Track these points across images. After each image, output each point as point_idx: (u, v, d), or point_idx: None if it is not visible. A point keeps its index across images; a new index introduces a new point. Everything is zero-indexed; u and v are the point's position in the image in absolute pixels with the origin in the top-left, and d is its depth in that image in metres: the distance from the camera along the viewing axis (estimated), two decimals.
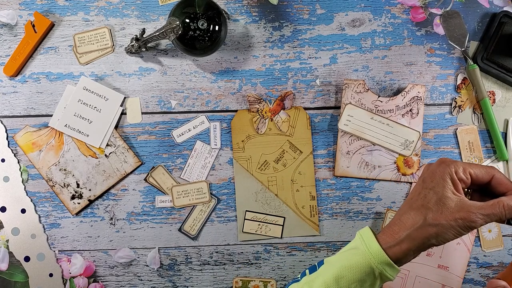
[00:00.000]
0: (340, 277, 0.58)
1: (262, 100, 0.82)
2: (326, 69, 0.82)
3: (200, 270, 0.81)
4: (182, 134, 0.82)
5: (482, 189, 0.61)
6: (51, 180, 0.80)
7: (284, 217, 0.81)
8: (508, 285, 0.61)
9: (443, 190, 0.57)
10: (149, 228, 0.81)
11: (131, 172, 0.81)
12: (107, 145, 0.81)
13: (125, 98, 0.82)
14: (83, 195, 0.80)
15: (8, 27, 0.82)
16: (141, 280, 0.81)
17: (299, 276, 0.63)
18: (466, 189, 0.61)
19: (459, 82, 0.82)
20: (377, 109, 0.81)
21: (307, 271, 0.62)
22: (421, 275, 0.80)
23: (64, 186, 0.80)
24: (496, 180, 0.59)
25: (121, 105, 0.81)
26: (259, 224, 0.81)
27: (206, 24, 0.75)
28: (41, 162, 0.80)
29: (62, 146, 0.81)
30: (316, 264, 0.62)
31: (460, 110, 0.82)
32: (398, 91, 0.82)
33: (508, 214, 0.57)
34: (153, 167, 0.81)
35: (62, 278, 0.80)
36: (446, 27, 0.80)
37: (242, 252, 0.81)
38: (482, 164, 0.75)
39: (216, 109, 0.82)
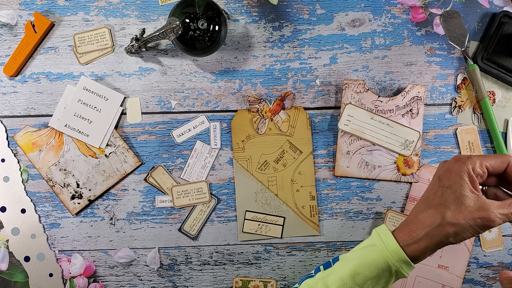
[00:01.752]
0: (356, 273, 0.58)
1: (262, 100, 0.82)
2: (326, 69, 0.82)
3: (200, 270, 0.81)
4: (182, 134, 0.82)
5: (498, 179, 0.61)
6: (51, 180, 0.80)
7: (284, 217, 0.81)
8: None
9: (460, 188, 0.57)
10: (149, 228, 0.81)
11: (131, 172, 0.81)
12: (107, 145, 0.81)
13: (125, 98, 0.82)
14: (83, 195, 0.80)
15: (8, 27, 0.82)
16: (141, 280, 0.81)
17: (313, 271, 0.63)
18: (481, 186, 0.61)
19: (459, 82, 0.82)
20: (377, 109, 0.81)
21: (321, 267, 0.62)
22: (421, 275, 0.80)
23: (64, 186, 0.80)
24: (511, 167, 0.58)
25: (121, 105, 0.81)
26: (259, 224, 0.81)
27: (206, 24, 0.75)
28: (41, 162, 0.80)
29: (62, 146, 0.81)
30: (330, 260, 0.62)
31: (460, 110, 0.82)
32: (398, 91, 0.82)
33: None
34: (153, 167, 0.81)
35: (62, 278, 0.80)
36: (446, 27, 0.80)
37: (242, 252, 0.81)
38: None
39: (216, 109, 0.82)
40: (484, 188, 0.62)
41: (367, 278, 0.58)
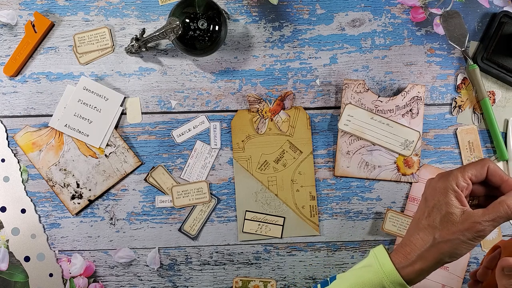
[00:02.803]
0: None
1: (262, 100, 0.82)
2: (326, 69, 0.82)
3: (200, 270, 0.81)
4: (182, 134, 0.82)
5: (486, 187, 0.61)
6: (51, 180, 0.80)
7: (284, 217, 0.81)
8: None
9: (446, 206, 0.57)
10: (149, 228, 0.81)
11: (131, 172, 0.81)
12: (107, 145, 0.81)
13: (125, 98, 0.82)
14: (83, 195, 0.80)
15: (8, 27, 0.82)
16: (141, 280, 0.81)
17: None
18: (470, 197, 0.61)
19: (459, 82, 0.82)
20: (377, 109, 0.81)
21: (318, 285, 0.63)
22: None
23: (64, 186, 0.80)
24: (490, 171, 0.59)
25: (121, 105, 0.81)
26: (259, 224, 0.81)
27: (206, 24, 0.75)
28: (41, 162, 0.80)
29: (62, 146, 0.81)
30: (328, 279, 0.63)
31: (460, 110, 0.82)
32: (398, 91, 0.82)
33: None
34: (153, 167, 0.81)
35: (62, 278, 0.80)
36: (446, 27, 0.80)
37: (242, 252, 0.81)
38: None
39: (216, 109, 0.82)
40: (474, 198, 0.62)
41: None
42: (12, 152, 0.81)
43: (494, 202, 0.57)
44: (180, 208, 0.81)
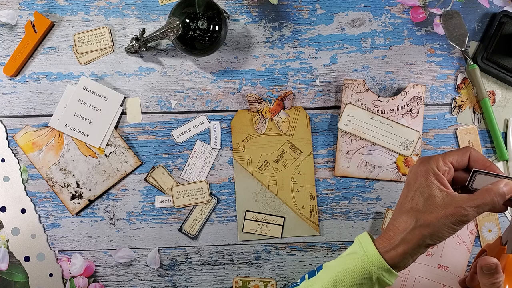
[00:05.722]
0: (338, 281, 0.58)
1: (262, 100, 0.82)
2: (326, 69, 0.82)
3: (200, 270, 0.81)
4: (182, 134, 0.82)
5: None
6: (51, 180, 0.80)
7: (284, 217, 0.81)
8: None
9: (428, 189, 0.57)
10: (149, 228, 0.81)
11: (131, 172, 0.81)
12: (107, 145, 0.81)
13: (125, 98, 0.82)
14: (83, 195, 0.81)
15: (8, 27, 0.82)
16: (141, 280, 0.81)
17: (298, 281, 0.63)
18: (454, 187, 0.61)
19: (459, 82, 0.82)
20: (377, 109, 0.81)
21: (306, 276, 0.63)
22: (421, 275, 0.80)
23: (64, 186, 0.80)
24: (472, 158, 0.59)
25: (121, 105, 0.81)
26: (259, 224, 0.81)
27: (206, 24, 0.75)
28: (41, 162, 0.80)
29: (62, 146, 0.81)
30: (315, 269, 0.63)
31: (460, 110, 0.82)
32: (398, 91, 0.82)
33: (500, 200, 0.56)
34: (153, 167, 0.81)
35: (62, 278, 0.80)
36: (446, 27, 0.80)
37: (242, 252, 0.81)
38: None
39: (216, 109, 0.82)
40: (457, 188, 0.62)
41: (348, 286, 0.58)
42: (12, 152, 0.81)
43: (481, 189, 0.57)
44: (180, 208, 0.81)
